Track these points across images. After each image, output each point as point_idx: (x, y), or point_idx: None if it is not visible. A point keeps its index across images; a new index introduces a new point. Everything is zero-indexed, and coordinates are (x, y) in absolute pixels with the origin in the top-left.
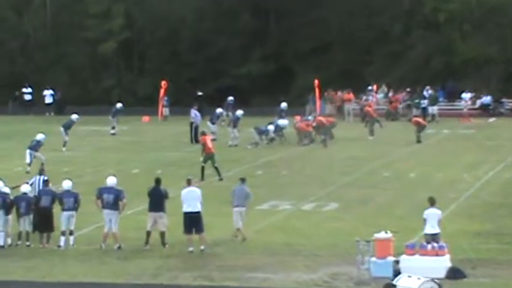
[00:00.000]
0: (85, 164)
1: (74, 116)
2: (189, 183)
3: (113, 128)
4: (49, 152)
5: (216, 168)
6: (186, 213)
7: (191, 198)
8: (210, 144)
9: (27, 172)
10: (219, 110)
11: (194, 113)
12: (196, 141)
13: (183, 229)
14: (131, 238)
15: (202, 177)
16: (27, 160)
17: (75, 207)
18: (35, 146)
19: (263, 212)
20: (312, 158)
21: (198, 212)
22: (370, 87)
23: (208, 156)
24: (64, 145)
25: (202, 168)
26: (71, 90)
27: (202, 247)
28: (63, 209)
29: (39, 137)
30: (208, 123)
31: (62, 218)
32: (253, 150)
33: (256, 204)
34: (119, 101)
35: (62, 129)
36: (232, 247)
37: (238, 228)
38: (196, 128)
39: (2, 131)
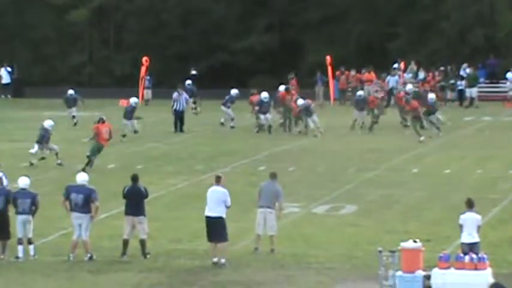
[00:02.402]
0: (50, 157)
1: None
2: (217, 181)
3: (73, 117)
4: (5, 143)
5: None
6: (206, 218)
7: (213, 200)
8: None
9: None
10: (234, 91)
11: (178, 95)
12: (181, 130)
13: (207, 236)
14: (105, 247)
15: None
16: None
17: (31, 210)
18: (45, 137)
19: None
20: (324, 151)
21: (217, 218)
22: (396, 65)
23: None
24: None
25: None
26: (33, 67)
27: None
28: (17, 212)
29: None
30: (222, 107)
31: (17, 223)
32: (254, 141)
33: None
34: (71, 88)
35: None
36: (228, 259)
37: (259, 234)
38: (182, 113)
39: None
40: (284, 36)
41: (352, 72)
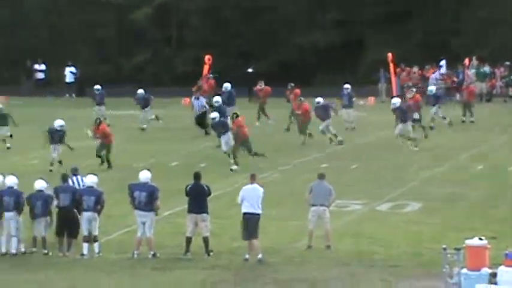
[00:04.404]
0: (113, 155)
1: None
2: (253, 179)
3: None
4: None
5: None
6: (246, 214)
7: (253, 197)
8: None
9: (50, 170)
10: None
11: (195, 100)
12: (206, 132)
13: (242, 234)
14: (168, 245)
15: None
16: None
17: (96, 208)
18: (58, 137)
19: (329, 213)
20: (387, 149)
21: (258, 215)
22: (442, 62)
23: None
24: None
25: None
26: (96, 67)
27: (259, 256)
28: (83, 209)
29: (58, 123)
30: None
31: (82, 221)
32: (316, 138)
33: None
34: (141, 87)
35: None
36: (290, 257)
37: (312, 230)
38: (199, 118)
39: (13, 115)
40: (346, 33)
41: (415, 69)
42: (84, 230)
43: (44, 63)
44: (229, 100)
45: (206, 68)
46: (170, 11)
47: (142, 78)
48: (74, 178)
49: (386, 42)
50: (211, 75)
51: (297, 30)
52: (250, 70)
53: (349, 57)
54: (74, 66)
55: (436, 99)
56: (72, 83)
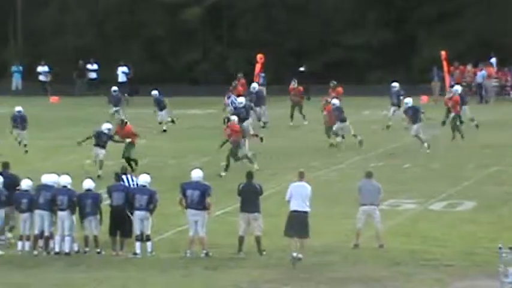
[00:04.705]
0: (166, 154)
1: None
2: (301, 176)
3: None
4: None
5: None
6: (293, 212)
7: (300, 195)
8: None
9: (99, 176)
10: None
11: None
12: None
13: (285, 230)
14: (221, 244)
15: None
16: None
17: (149, 207)
18: (104, 140)
19: (381, 212)
20: (441, 148)
21: (306, 212)
22: (493, 59)
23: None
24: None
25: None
26: (147, 66)
27: (300, 255)
28: (135, 208)
29: (106, 126)
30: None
31: (135, 220)
32: (369, 137)
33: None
34: (155, 89)
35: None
36: (344, 255)
37: (360, 228)
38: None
39: (66, 115)
40: (399, 31)
41: (468, 67)
42: (136, 229)
43: (97, 63)
44: (257, 100)
45: (258, 66)
46: (221, 10)
47: (193, 76)
48: (124, 177)
49: (439, 40)
50: (263, 74)
51: (349, 28)
52: (302, 69)
53: (402, 55)
54: (126, 66)
55: (462, 100)
56: (124, 82)
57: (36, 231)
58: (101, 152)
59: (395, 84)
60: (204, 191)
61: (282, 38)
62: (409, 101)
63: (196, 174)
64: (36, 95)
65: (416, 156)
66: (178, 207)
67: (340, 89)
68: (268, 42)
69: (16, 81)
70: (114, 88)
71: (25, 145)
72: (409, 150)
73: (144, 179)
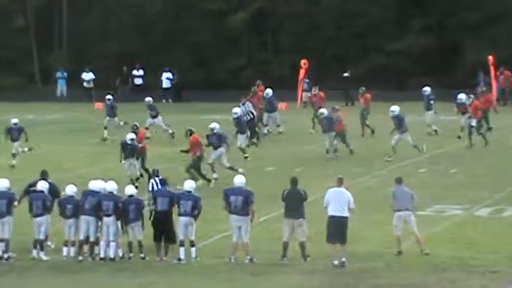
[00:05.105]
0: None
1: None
2: (339, 182)
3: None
4: (165, 147)
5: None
6: (332, 218)
7: (338, 200)
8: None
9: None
10: (461, 96)
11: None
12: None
13: (327, 237)
14: (265, 250)
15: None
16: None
17: (193, 213)
18: (129, 151)
19: (426, 218)
20: (487, 153)
21: (344, 218)
22: None
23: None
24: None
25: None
26: (192, 72)
27: (344, 259)
28: (179, 214)
29: (130, 137)
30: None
31: (178, 225)
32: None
33: (417, 209)
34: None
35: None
36: (387, 262)
37: (399, 236)
38: (248, 123)
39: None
40: (441, 37)
41: None
42: (180, 235)
43: (142, 69)
44: (269, 107)
45: (302, 72)
46: (266, 16)
47: (238, 82)
48: (152, 180)
49: (483, 45)
50: (307, 80)
51: (391, 34)
52: (346, 74)
53: (444, 61)
54: (171, 71)
55: (465, 108)
56: (168, 88)
57: (82, 237)
58: (132, 163)
59: (427, 89)
60: (246, 196)
61: (325, 44)
62: (395, 109)
63: (239, 180)
64: (81, 101)
65: (461, 162)
66: (222, 211)
67: (368, 95)
68: (311, 48)
69: (61, 87)
70: (109, 96)
71: (30, 149)
72: (455, 156)
73: (189, 185)
